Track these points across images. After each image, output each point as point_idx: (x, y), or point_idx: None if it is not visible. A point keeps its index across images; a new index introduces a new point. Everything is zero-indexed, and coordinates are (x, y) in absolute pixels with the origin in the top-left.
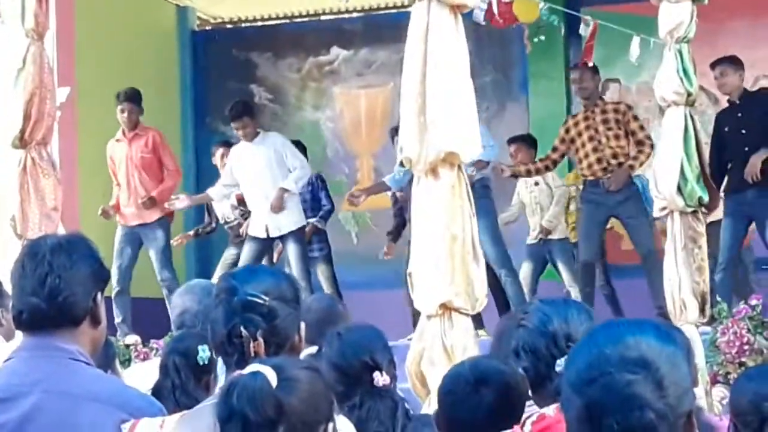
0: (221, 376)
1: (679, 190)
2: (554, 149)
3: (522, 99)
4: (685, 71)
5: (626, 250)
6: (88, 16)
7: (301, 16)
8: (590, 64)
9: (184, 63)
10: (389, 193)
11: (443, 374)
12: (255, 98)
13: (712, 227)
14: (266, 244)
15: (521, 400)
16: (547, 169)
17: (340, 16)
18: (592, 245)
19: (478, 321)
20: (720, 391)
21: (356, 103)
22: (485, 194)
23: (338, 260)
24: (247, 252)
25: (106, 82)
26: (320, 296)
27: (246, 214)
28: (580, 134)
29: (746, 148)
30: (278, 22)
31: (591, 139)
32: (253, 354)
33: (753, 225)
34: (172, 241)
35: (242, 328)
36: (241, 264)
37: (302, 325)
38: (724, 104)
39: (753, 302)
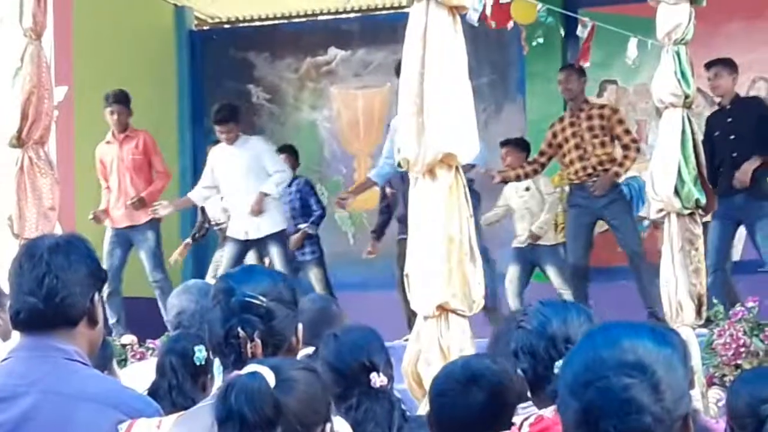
0: (218, 376)
1: (677, 192)
2: (542, 153)
3: (519, 100)
4: (682, 73)
5: (622, 252)
6: (86, 16)
7: (298, 16)
8: (581, 65)
9: (181, 63)
10: (380, 192)
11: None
12: (252, 98)
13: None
14: (246, 246)
15: (513, 399)
16: (536, 172)
17: (338, 16)
18: (580, 248)
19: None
20: (716, 394)
21: (353, 103)
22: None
23: (334, 261)
24: (228, 255)
25: (104, 82)
26: (315, 297)
27: None
28: (567, 140)
29: (734, 154)
30: (276, 22)
31: (577, 147)
32: (250, 355)
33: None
34: (170, 259)
35: (240, 329)
36: (224, 267)
37: (299, 326)
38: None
39: (749, 304)
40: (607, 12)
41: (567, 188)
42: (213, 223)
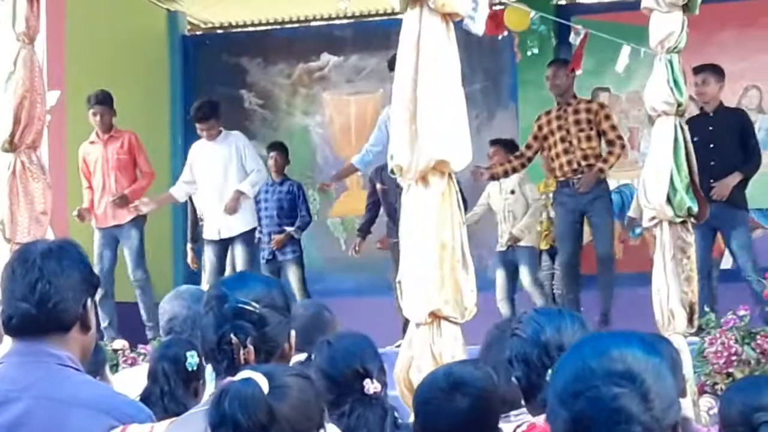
0: (211, 383)
1: (669, 200)
2: (528, 146)
3: (511, 107)
4: (675, 81)
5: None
6: (79, 21)
7: (291, 21)
8: (574, 71)
9: (174, 67)
10: (368, 187)
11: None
12: (245, 103)
13: None
14: (222, 246)
15: (497, 405)
16: (523, 166)
17: (331, 22)
18: (569, 246)
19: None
20: (707, 402)
21: (346, 109)
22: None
23: (326, 267)
24: (209, 258)
25: (96, 87)
26: (307, 303)
27: None
28: (552, 133)
29: (712, 162)
30: (269, 27)
31: (563, 140)
32: (243, 361)
33: None
34: (192, 266)
35: (232, 336)
36: (208, 272)
37: (292, 332)
38: None
39: (741, 312)
40: (600, 20)
41: (551, 195)
42: (201, 217)
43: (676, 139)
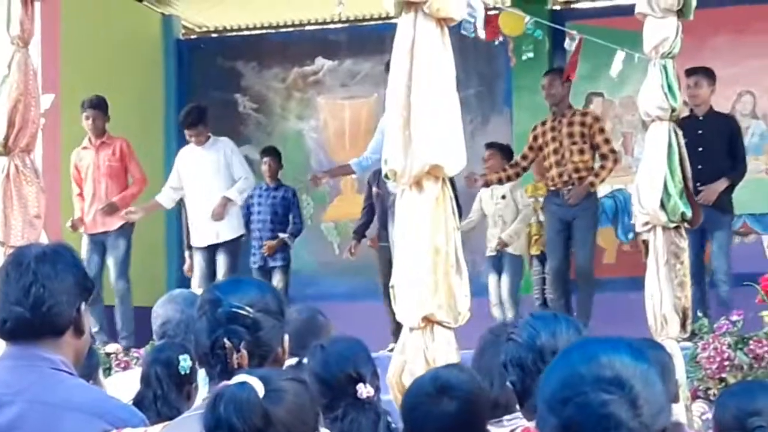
0: (203, 387)
1: (662, 205)
2: (524, 156)
3: (506, 112)
4: (669, 87)
5: (608, 263)
6: (74, 24)
7: (286, 26)
8: (569, 78)
9: (168, 71)
10: (366, 190)
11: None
12: (239, 107)
13: None
14: (210, 252)
15: (484, 407)
16: (518, 175)
17: (326, 26)
18: (558, 253)
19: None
20: (700, 407)
21: (340, 113)
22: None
23: (320, 271)
24: (198, 265)
25: (91, 90)
26: (302, 307)
27: None
28: (547, 144)
29: (700, 166)
30: (263, 31)
31: (556, 152)
32: (236, 365)
33: None
34: (187, 274)
35: (226, 340)
36: (198, 279)
37: (286, 337)
38: None
39: (734, 318)
40: (594, 25)
41: (541, 199)
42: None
43: (670, 145)
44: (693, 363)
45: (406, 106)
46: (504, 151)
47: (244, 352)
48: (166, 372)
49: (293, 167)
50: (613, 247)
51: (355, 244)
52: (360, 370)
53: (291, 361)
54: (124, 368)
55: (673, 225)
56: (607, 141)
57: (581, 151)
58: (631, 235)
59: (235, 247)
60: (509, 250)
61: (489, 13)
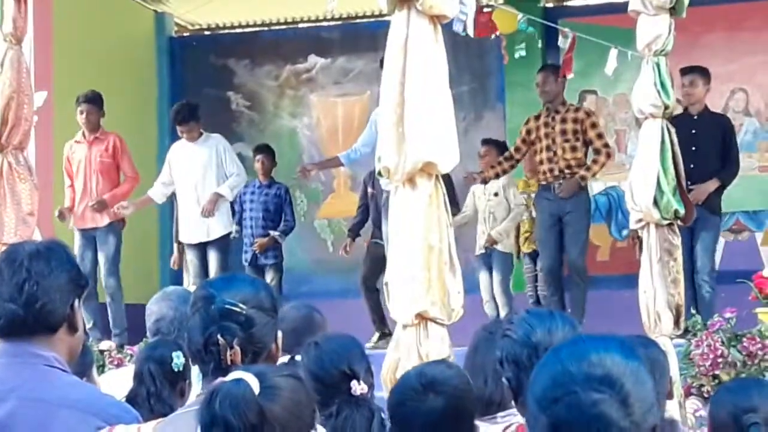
0: (197, 383)
1: (656, 202)
2: (517, 149)
3: (499, 109)
4: (662, 84)
5: (601, 260)
6: (66, 22)
7: (279, 23)
8: (565, 76)
9: (161, 69)
10: (361, 189)
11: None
12: (232, 105)
13: None
14: (202, 248)
15: (471, 403)
16: (512, 167)
17: (318, 24)
18: (550, 250)
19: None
20: (694, 404)
21: (333, 111)
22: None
23: (313, 268)
24: (190, 260)
25: (83, 88)
26: (298, 305)
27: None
28: (540, 139)
29: (692, 165)
30: (256, 29)
31: (548, 148)
32: (229, 362)
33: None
34: (172, 265)
35: (219, 336)
36: (192, 275)
37: (279, 333)
38: None
39: (727, 315)
40: (587, 22)
41: (533, 195)
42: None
43: (663, 142)
44: (686, 360)
45: (400, 103)
46: (500, 147)
47: (237, 348)
48: (159, 369)
49: (286, 165)
50: (606, 245)
51: (350, 242)
52: (354, 367)
53: (284, 359)
54: (118, 365)
55: (666, 222)
56: (600, 136)
57: (573, 149)
58: (625, 232)
59: (225, 244)
60: (498, 247)
61: (484, 10)
